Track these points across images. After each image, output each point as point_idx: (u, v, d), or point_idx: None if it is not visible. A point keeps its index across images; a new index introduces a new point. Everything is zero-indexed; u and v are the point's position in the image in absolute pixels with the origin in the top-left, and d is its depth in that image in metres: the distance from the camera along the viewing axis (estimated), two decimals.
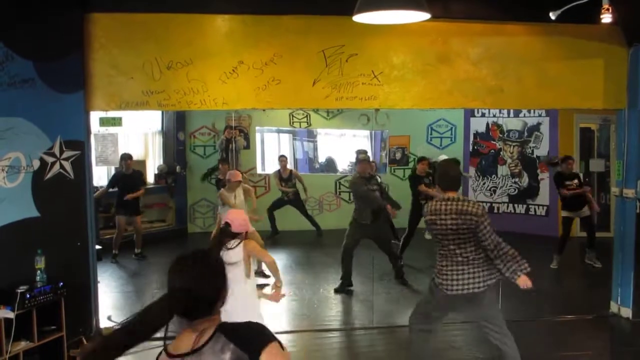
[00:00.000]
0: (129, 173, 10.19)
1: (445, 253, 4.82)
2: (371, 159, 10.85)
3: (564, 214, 9.65)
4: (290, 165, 12.29)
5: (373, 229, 8.31)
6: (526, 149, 12.54)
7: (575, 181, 9.35)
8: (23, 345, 5.21)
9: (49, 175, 6.06)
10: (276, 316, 7.34)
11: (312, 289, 8.55)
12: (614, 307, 7.22)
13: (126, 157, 10.19)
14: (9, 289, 5.21)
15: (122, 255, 10.18)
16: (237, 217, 4.85)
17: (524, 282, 4.73)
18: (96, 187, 9.62)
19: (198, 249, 2.43)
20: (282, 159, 12.00)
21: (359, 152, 11.20)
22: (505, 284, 7.04)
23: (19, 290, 5.17)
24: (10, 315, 5.05)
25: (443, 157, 11.52)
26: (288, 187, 11.83)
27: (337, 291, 8.30)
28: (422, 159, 10.27)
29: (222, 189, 8.63)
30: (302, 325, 7.04)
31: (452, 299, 4.85)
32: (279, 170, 12.00)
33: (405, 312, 7.40)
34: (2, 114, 5.87)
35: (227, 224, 4.72)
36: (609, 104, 7.02)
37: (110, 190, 10.36)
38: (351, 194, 8.75)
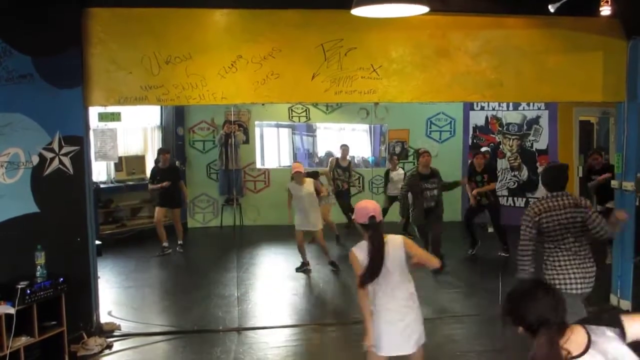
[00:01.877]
0: (165, 167, 10.30)
1: (562, 248, 4.84)
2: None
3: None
4: (289, 160, 12.29)
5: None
6: (525, 143, 12.53)
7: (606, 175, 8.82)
8: (24, 340, 5.22)
9: (48, 171, 6.06)
10: (277, 311, 7.35)
11: (312, 283, 8.59)
12: (613, 300, 7.23)
13: (163, 152, 10.46)
14: (10, 284, 5.21)
15: (121, 250, 10.18)
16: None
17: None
18: (95, 183, 9.62)
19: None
20: (344, 147, 11.93)
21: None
22: (503, 275, 7.08)
23: (20, 286, 5.17)
24: (11, 310, 5.05)
25: (485, 148, 11.59)
26: (344, 177, 11.76)
27: None
28: (477, 154, 10.11)
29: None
30: (303, 320, 7.04)
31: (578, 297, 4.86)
32: (337, 159, 11.93)
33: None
34: (1, 109, 5.87)
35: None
36: (608, 97, 7.01)
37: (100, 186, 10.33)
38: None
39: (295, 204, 8.84)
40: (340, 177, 11.71)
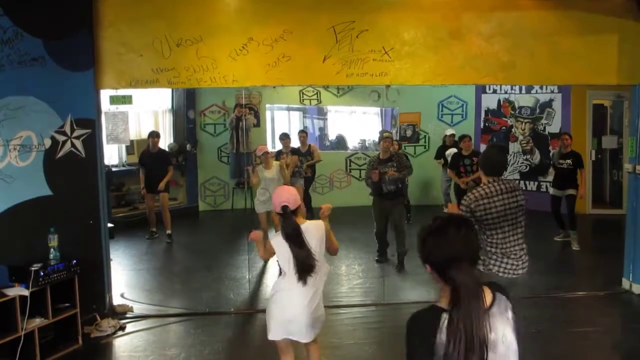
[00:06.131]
0: (154, 151, 10.10)
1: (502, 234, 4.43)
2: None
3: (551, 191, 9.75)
4: (300, 143, 12.29)
5: (389, 205, 8.28)
6: (538, 126, 12.44)
7: (569, 161, 9.20)
8: (38, 322, 5.27)
9: (60, 154, 6.09)
10: None
11: None
12: (625, 284, 7.21)
13: (153, 135, 10.13)
14: (24, 266, 5.26)
15: (134, 233, 10.25)
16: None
17: None
18: (107, 166, 9.65)
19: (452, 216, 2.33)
20: (302, 133, 11.66)
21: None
22: None
23: (33, 268, 5.21)
24: (25, 292, 5.10)
25: (450, 131, 11.62)
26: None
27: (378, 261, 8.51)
28: (464, 137, 9.90)
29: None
30: None
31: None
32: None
33: (416, 288, 7.45)
34: (13, 92, 5.89)
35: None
36: (623, 80, 6.91)
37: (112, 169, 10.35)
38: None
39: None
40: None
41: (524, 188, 12.36)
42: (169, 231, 10.14)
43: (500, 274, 4.39)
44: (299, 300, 4.05)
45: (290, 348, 4.26)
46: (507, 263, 4.41)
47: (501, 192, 4.39)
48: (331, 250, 4.32)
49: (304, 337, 4.12)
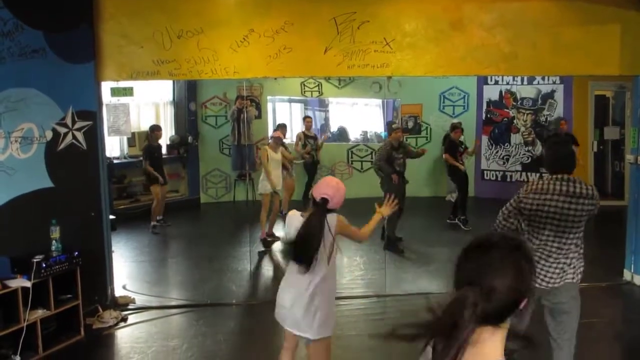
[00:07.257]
0: (157, 144, 10.32)
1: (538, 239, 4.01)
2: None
3: None
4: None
5: (403, 184, 9.00)
6: (540, 117, 12.42)
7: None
8: (40, 313, 5.29)
9: (61, 146, 6.09)
10: None
11: None
12: (627, 275, 7.22)
13: (157, 128, 10.38)
14: (26, 258, 5.27)
15: (136, 225, 10.27)
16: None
17: None
18: (109, 158, 9.66)
19: (507, 235, 1.79)
20: (308, 119, 12.25)
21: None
22: None
23: (35, 260, 5.22)
24: (27, 284, 5.12)
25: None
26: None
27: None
28: (456, 128, 10.45)
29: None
30: None
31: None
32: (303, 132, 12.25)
33: (418, 280, 7.46)
34: (14, 84, 5.89)
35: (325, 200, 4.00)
36: (624, 71, 6.90)
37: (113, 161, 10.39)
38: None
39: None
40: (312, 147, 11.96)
41: (525, 179, 12.34)
42: (160, 217, 10.44)
43: None
44: (292, 287, 3.99)
45: (292, 340, 4.15)
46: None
47: (559, 193, 3.88)
48: (356, 240, 4.63)
49: (290, 326, 4.00)
